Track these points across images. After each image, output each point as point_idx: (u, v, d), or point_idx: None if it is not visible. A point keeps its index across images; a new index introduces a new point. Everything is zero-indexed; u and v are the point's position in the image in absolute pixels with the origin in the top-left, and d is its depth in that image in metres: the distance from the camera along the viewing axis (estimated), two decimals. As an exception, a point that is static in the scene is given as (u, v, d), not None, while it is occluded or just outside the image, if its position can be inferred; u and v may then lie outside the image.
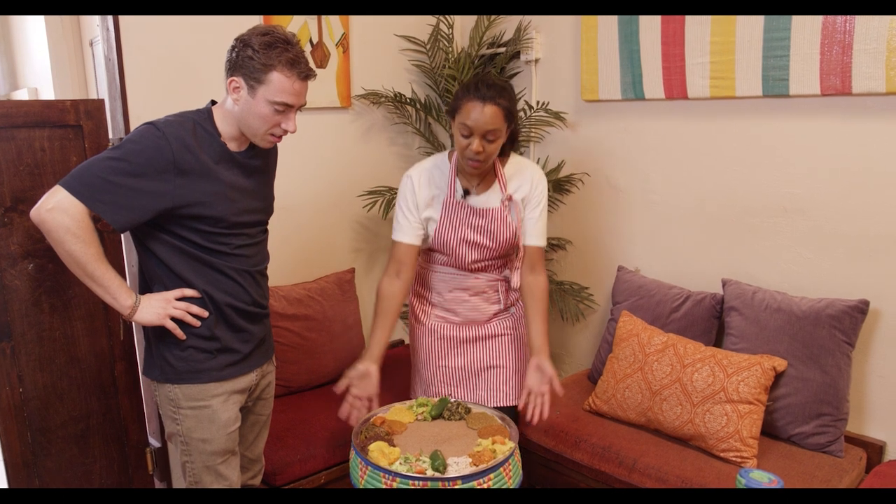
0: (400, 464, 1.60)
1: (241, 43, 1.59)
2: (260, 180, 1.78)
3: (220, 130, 1.67)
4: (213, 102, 1.72)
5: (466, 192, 2.05)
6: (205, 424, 1.72)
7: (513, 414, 2.09)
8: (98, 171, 1.53)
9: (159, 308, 1.64)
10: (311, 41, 2.69)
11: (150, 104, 2.31)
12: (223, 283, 1.70)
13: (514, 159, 2.11)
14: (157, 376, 1.74)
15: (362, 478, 1.63)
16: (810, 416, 2.13)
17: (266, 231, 1.85)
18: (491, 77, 1.94)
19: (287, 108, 1.62)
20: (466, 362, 2.15)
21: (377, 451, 1.64)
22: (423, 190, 2.06)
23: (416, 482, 1.54)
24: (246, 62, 1.57)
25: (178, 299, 1.66)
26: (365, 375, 1.94)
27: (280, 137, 1.69)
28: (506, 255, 2.10)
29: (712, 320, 2.41)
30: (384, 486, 1.57)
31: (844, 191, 2.19)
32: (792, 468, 2.02)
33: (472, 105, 1.87)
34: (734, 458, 2.06)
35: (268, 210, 1.84)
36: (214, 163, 1.64)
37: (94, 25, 3.70)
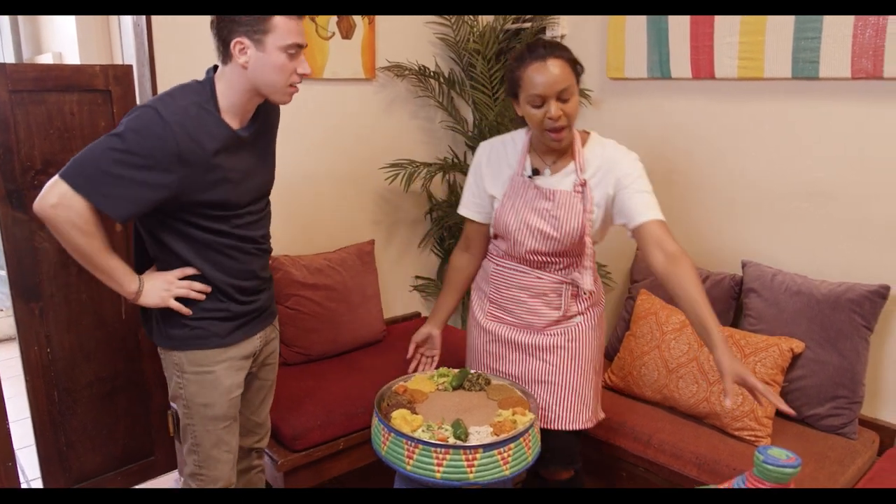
0: (423, 431, 1.63)
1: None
2: (263, 153, 1.75)
3: (222, 106, 1.60)
4: (216, 68, 1.64)
5: (536, 172, 1.87)
6: (207, 390, 1.73)
7: (568, 442, 1.95)
8: (100, 164, 1.49)
9: (162, 290, 1.65)
10: (336, 11, 2.68)
11: (178, 70, 2.32)
12: (224, 262, 1.69)
13: (596, 139, 1.89)
14: (162, 343, 1.75)
15: (385, 444, 1.67)
16: (826, 399, 2.14)
17: (268, 202, 1.81)
18: (538, 39, 1.89)
19: (298, 50, 1.59)
20: (520, 372, 1.98)
21: (400, 418, 1.68)
22: (491, 162, 1.94)
23: (439, 449, 1.57)
24: (243, 19, 1.54)
25: (180, 278, 1.66)
26: (429, 338, 2.12)
27: (297, 87, 1.65)
28: (570, 251, 1.87)
29: (731, 301, 2.42)
30: (405, 453, 1.61)
31: (870, 176, 2.18)
32: (805, 448, 2.04)
33: (535, 68, 1.71)
34: (748, 437, 2.08)
35: (271, 179, 1.81)
36: (219, 150, 1.59)
37: (118, -9, 3.69)
